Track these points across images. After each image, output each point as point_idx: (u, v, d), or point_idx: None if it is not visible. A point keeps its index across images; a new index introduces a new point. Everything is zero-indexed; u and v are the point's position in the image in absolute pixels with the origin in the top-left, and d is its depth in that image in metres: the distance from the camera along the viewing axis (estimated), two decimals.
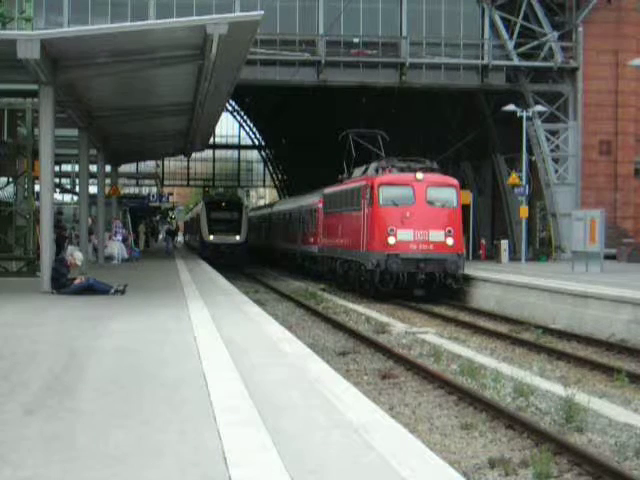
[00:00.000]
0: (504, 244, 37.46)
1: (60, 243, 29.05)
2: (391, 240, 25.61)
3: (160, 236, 58.44)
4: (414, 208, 25.91)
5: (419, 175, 26.26)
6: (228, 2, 37.46)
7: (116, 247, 31.57)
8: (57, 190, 41.75)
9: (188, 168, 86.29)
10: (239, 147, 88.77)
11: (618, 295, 18.85)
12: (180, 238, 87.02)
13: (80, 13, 37.88)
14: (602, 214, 28.35)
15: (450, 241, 25.84)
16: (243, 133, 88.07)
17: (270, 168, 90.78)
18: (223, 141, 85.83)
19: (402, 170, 27.33)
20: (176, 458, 5.10)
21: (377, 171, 27.84)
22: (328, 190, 34.10)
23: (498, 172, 42.95)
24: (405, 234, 25.64)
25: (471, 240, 39.11)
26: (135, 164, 59.77)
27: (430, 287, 25.89)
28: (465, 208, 31.32)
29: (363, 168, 29.97)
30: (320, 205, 35.30)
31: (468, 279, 26.64)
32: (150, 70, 18.43)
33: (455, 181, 27.70)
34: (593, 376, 14.01)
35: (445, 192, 26.65)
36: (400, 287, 25.78)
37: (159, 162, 71.44)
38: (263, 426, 5.84)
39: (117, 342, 10.04)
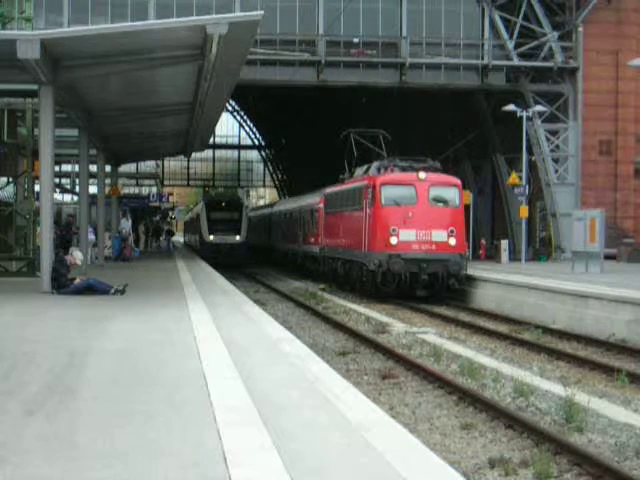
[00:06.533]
0: (504, 244, 37.47)
1: (67, 241, 29.12)
2: (393, 240, 25.49)
3: (161, 237, 58.86)
4: (416, 208, 25.77)
5: (421, 174, 26.14)
6: (228, 2, 37.49)
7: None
8: (57, 190, 41.74)
9: (188, 168, 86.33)
10: (239, 147, 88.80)
11: (618, 295, 18.85)
12: (180, 238, 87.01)
13: (80, 13, 37.89)
14: (602, 214, 28.33)
15: (453, 241, 25.73)
16: (243, 133, 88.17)
17: (270, 168, 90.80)
18: (223, 141, 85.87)
19: (404, 169, 27.22)
20: (176, 458, 5.10)
21: (379, 170, 27.72)
22: (329, 190, 34.05)
23: (498, 172, 42.97)
24: (407, 234, 25.51)
25: (471, 240, 39.10)
26: (135, 164, 59.76)
27: (432, 287, 25.83)
28: (465, 208, 31.29)
29: (365, 168, 29.84)
30: (321, 205, 35.26)
31: (468, 279, 26.61)
32: (150, 70, 18.42)
33: (458, 180, 27.58)
34: (593, 376, 14.01)
35: (448, 192, 26.55)
36: (402, 287, 25.70)
37: (159, 162, 71.41)
38: (263, 426, 5.84)
39: (117, 342, 10.04)
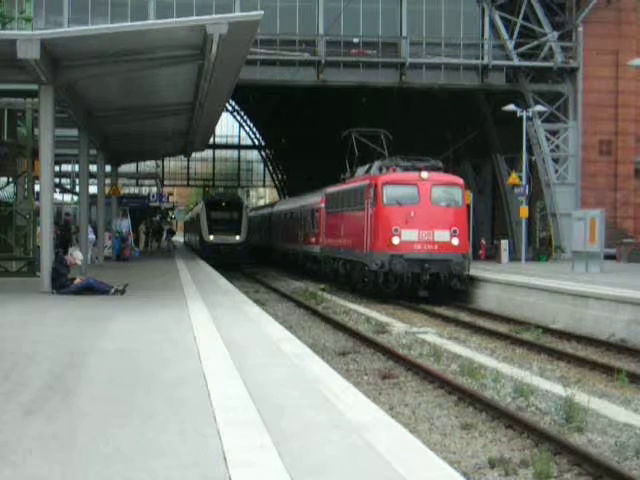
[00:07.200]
0: (504, 244, 37.47)
1: (66, 240, 29.11)
2: (395, 240, 25.37)
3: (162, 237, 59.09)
4: (419, 208, 25.64)
5: (424, 174, 26.02)
6: (228, 2, 37.47)
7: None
8: (57, 190, 41.74)
9: (188, 168, 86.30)
10: (239, 147, 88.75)
11: (618, 295, 18.85)
12: (180, 238, 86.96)
13: (80, 13, 37.88)
14: (602, 214, 28.34)
15: (455, 241, 25.63)
16: (243, 133, 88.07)
17: (270, 168, 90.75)
18: (223, 141, 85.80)
19: (406, 169, 27.05)
20: (176, 458, 5.10)
21: (381, 170, 27.61)
22: (330, 190, 33.97)
23: (498, 172, 42.96)
24: (409, 234, 25.37)
25: (471, 240, 39.08)
26: (135, 164, 59.79)
27: (435, 288, 25.76)
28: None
29: (366, 167, 29.69)
30: (322, 205, 35.21)
31: (469, 279, 26.57)
32: (150, 70, 18.43)
33: (460, 180, 27.47)
34: (593, 376, 14.01)
35: (450, 191, 26.42)
36: (404, 288, 25.62)
37: (159, 162, 71.43)
38: (263, 426, 5.84)
39: (117, 342, 10.05)
